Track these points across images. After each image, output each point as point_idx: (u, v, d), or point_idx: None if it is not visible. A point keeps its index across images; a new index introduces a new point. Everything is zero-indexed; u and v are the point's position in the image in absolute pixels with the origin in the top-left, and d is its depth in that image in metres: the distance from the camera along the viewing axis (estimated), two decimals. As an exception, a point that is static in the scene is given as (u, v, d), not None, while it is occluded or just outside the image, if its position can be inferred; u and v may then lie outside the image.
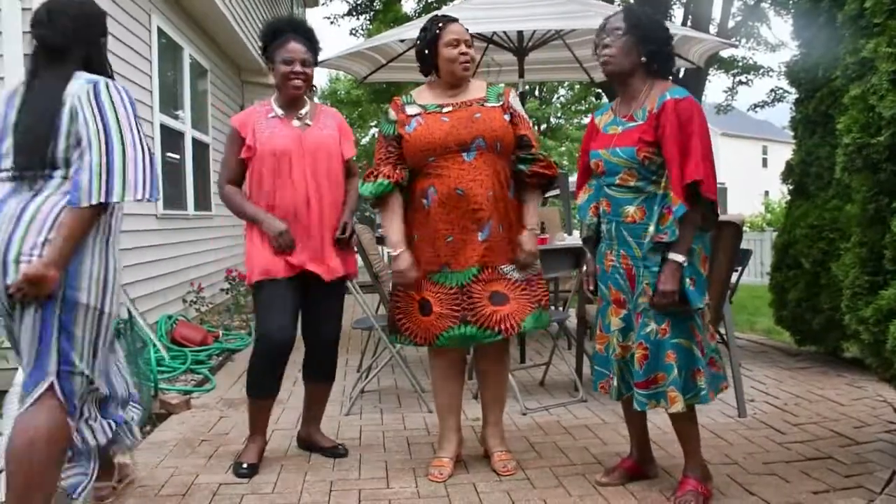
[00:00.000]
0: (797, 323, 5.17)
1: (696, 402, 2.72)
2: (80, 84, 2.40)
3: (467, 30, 3.15)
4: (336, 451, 3.43)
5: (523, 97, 6.34)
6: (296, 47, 3.24)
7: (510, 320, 3.02)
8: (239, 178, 3.34)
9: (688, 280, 2.64)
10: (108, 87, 2.42)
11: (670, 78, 2.84)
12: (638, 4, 10.45)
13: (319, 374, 3.45)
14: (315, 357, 3.41)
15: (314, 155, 3.23)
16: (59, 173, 2.36)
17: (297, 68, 3.23)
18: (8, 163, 2.39)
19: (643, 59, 2.74)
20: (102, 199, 2.29)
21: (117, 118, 2.38)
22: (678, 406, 2.66)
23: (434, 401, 3.35)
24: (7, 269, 2.28)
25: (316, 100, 3.59)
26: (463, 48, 3.06)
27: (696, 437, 2.83)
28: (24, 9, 4.23)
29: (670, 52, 2.83)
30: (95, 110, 2.36)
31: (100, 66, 2.56)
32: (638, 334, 2.72)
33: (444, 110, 3.07)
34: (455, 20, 3.13)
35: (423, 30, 3.15)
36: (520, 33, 5.91)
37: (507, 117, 3.09)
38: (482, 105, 3.09)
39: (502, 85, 3.22)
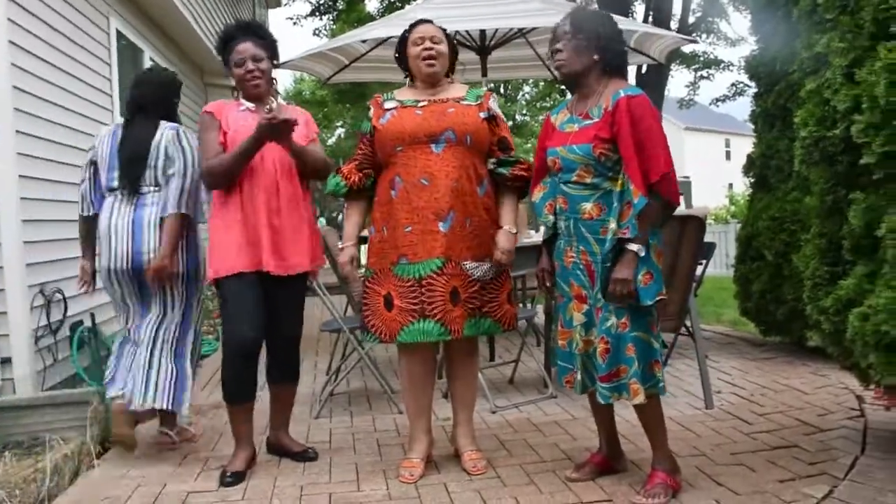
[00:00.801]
0: (762, 314, 5.24)
1: (655, 392, 2.75)
2: (167, 130, 3.52)
3: (444, 29, 3.20)
4: (306, 455, 3.40)
5: (488, 95, 6.35)
6: (244, 46, 3.25)
7: (458, 323, 3.02)
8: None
9: (642, 276, 2.67)
10: (185, 134, 3.55)
11: (625, 74, 2.89)
12: (601, 3, 10.51)
13: (284, 375, 3.42)
14: (277, 357, 3.37)
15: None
16: (152, 190, 3.48)
17: (250, 66, 3.24)
18: (115, 183, 3.50)
19: (595, 57, 2.79)
20: (179, 210, 3.42)
21: (193, 157, 3.48)
22: (640, 397, 2.69)
23: (403, 402, 3.35)
24: (139, 260, 3.43)
25: (281, 100, 3.56)
26: (427, 44, 3.10)
27: (663, 430, 2.86)
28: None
29: (622, 48, 2.87)
30: (179, 150, 3.48)
31: (174, 117, 3.66)
32: (599, 328, 2.74)
33: (420, 104, 3.11)
34: (426, 21, 3.18)
35: (400, 36, 3.25)
36: (482, 32, 5.93)
37: (483, 115, 3.12)
38: (458, 102, 3.13)
39: (484, 89, 3.26)
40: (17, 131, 4.15)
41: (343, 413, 4.19)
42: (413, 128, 3.05)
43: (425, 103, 3.11)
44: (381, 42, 6.10)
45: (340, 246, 3.23)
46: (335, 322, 4.30)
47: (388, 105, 3.16)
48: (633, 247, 2.65)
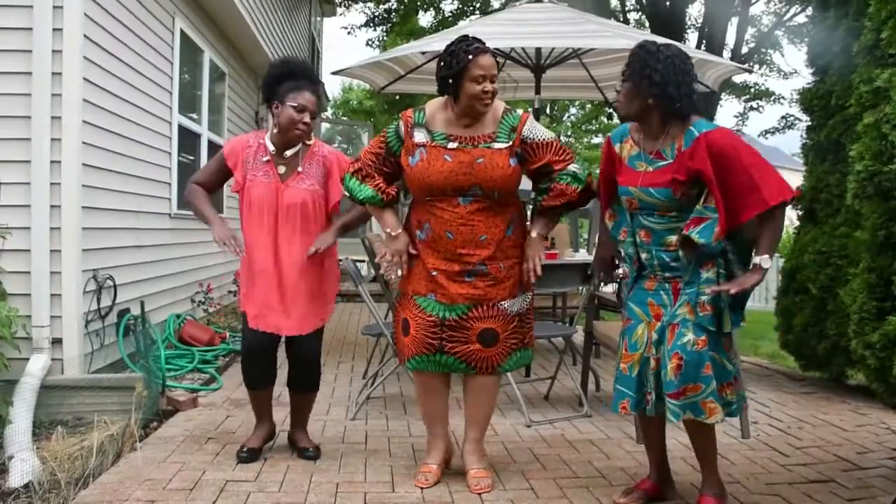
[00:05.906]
0: (802, 348, 5.19)
1: (727, 414, 2.71)
2: None
3: (494, 54, 3.06)
4: (305, 452, 3.46)
5: (538, 113, 6.39)
6: (311, 98, 3.33)
7: (490, 361, 3.07)
8: (209, 187, 3.51)
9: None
10: None
11: (694, 113, 2.70)
12: (654, 28, 10.52)
13: (302, 385, 3.50)
14: (297, 370, 3.47)
15: (287, 212, 3.31)
16: None
17: (307, 119, 3.32)
18: None
19: (650, 101, 2.66)
20: None
21: None
22: (718, 417, 2.63)
23: (419, 408, 3.39)
24: None
25: (316, 139, 3.54)
26: (487, 85, 2.93)
27: (715, 455, 2.83)
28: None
29: (685, 91, 2.64)
30: None
31: None
32: (674, 345, 2.65)
33: (450, 146, 3.02)
34: (485, 50, 2.98)
35: (451, 54, 2.99)
36: (538, 50, 5.98)
37: (513, 162, 3.02)
38: (489, 146, 3.01)
39: (520, 112, 3.11)
40: (84, 121, 4.29)
41: (379, 416, 4.24)
42: (441, 181, 2.98)
43: (456, 145, 3.01)
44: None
45: (393, 234, 3.13)
46: (377, 326, 4.36)
47: (418, 137, 3.05)
48: (767, 263, 2.59)
